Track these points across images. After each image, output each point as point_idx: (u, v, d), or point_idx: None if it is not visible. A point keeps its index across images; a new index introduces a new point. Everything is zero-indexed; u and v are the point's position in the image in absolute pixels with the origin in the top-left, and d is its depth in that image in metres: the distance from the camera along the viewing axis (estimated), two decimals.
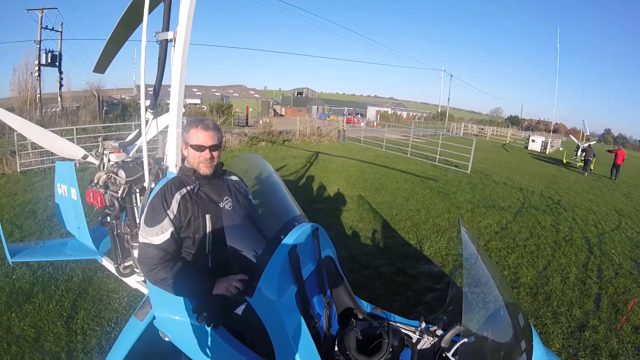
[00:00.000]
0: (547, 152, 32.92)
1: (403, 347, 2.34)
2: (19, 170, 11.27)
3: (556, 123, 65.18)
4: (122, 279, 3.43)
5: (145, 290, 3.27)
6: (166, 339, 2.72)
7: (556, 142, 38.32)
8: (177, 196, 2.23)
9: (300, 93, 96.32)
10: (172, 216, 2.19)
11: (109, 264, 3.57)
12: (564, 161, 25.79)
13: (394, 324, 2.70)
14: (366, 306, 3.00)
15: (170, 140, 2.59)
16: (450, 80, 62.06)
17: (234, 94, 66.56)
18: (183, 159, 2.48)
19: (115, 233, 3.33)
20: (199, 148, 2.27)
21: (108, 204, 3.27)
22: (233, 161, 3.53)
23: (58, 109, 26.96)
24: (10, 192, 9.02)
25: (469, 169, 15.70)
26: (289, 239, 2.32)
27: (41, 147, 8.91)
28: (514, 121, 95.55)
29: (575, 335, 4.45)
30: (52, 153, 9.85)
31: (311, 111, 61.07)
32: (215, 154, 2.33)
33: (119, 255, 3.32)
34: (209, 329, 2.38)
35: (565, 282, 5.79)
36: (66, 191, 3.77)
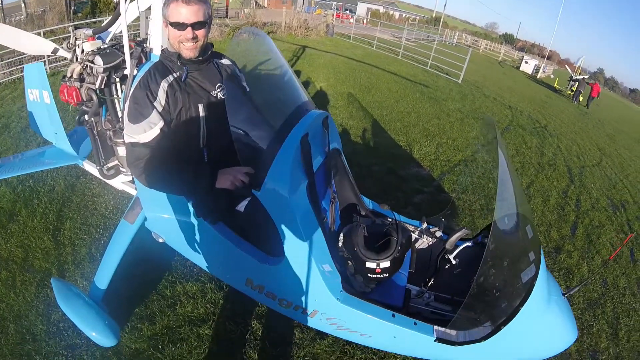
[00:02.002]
0: (538, 76, 32.41)
1: (409, 245, 2.24)
2: None
3: (551, 50, 63.69)
4: (107, 181, 3.13)
5: (133, 191, 3.01)
6: (160, 240, 2.56)
7: (548, 69, 37.64)
8: (164, 84, 1.93)
9: None
10: (159, 108, 1.91)
11: (91, 168, 3.26)
12: (556, 87, 25.96)
13: (401, 222, 2.61)
14: (368, 203, 2.90)
15: (154, 18, 2.30)
16: None
17: None
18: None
19: (95, 132, 2.93)
20: (179, 26, 1.87)
21: (85, 99, 2.84)
22: (232, 39, 3.06)
23: (22, 17, 24.68)
24: None
25: (461, 79, 15.25)
26: (301, 127, 2.07)
27: (9, 58, 7.88)
28: (508, 39, 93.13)
29: (551, 256, 4.52)
30: (20, 62, 8.94)
31: (296, 3, 57.52)
32: (199, 33, 1.93)
33: (102, 156, 2.98)
34: (207, 226, 2.19)
35: (546, 204, 5.84)
36: (38, 96, 3.32)
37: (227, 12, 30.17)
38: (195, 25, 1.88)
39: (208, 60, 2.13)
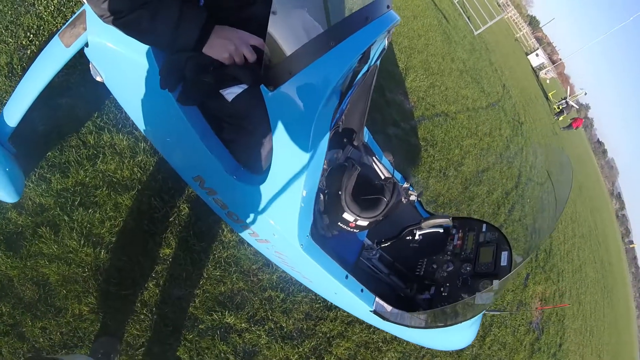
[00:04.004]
0: (537, 74, 32.16)
1: (395, 210, 1.92)
2: None
3: (560, 59, 63.30)
4: None
5: None
6: (97, 79, 1.81)
7: (550, 73, 37.45)
8: None
9: None
10: None
11: None
12: (549, 95, 27.26)
13: (378, 170, 2.38)
14: (365, 133, 2.47)
15: None
16: None
17: None
18: None
19: None
20: None
21: None
22: None
23: None
24: None
25: (478, 32, 14.48)
26: (375, 29, 1.39)
27: None
28: (533, 22, 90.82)
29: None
30: None
31: None
32: None
33: None
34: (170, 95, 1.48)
35: (489, 196, 5.85)
36: None
37: None
38: None
39: None
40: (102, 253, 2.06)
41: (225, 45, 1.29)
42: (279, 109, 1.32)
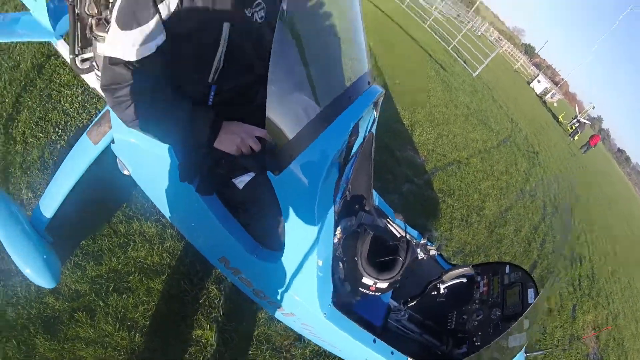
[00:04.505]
0: (544, 99, 32.39)
1: (413, 268, 1.97)
2: None
3: (562, 79, 63.68)
4: (79, 75, 2.42)
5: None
6: (125, 173, 2.01)
7: (556, 96, 37.67)
8: None
9: None
10: (165, 13, 1.30)
11: (65, 51, 2.55)
12: (560, 119, 27.30)
13: (396, 232, 2.38)
14: (375, 196, 2.58)
15: None
16: None
17: None
18: None
19: (76, 13, 2.13)
20: None
21: None
22: None
23: None
24: None
25: (477, 73, 14.87)
26: (359, 107, 1.59)
27: None
28: (528, 51, 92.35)
29: None
30: None
31: None
32: None
33: (78, 44, 2.23)
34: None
35: (517, 234, 5.78)
36: None
37: None
38: None
39: None
40: (137, 337, 2.15)
41: (233, 139, 1.47)
42: (285, 190, 1.48)
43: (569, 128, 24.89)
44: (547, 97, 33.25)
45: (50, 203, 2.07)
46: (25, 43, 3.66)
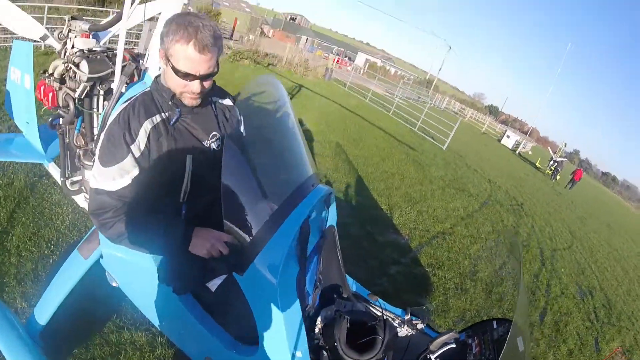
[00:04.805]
0: (517, 151, 33.47)
1: (394, 345, 2.07)
2: None
3: (531, 127, 66.02)
4: (69, 196, 2.76)
5: None
6: (113, 284, 2.23)
7: (528, 145, 38.98)
8: (147, 125, 1.61)
9: (293, 19, 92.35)
10: (137, 153, 1.59)
11: (55, 173, 2.89)
12: (537, 165, 28.07)
13: (379, 313, 2.43)
14: (351, 283, 2.73)
15: (157, 35, 1.89)
16: (447, 51, 60.40)
17: (225, 2, 61.21)
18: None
19: (65, 142, 2.54)
20: (186, 76, 1.55)
21: (61, 104, 2.42)
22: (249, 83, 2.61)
23: None
24: None
25: (446, 146, 15.61)
26: (304, 208, 1.82)
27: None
28: (493, 111, 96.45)
29: None
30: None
31: (299, 41, 58.66)
32: (207, 84, 1.64)
33: (68, 168, 2.58)
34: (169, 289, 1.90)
35: (517, 288, 5.74)
36: (19, 77, 2.95)
37: (232, 33, 30.30)
38: (205, 77, 1.59)
39: (207, 104, 1.82)
40: None
41: (203, 245, 1.66)
42: (250, 288, 1.69)
43: (548, 171, 25.75)
44: (521, 149, 34.33)
45: (44, 312, 2.28)
46: (18, 163, 4.10)
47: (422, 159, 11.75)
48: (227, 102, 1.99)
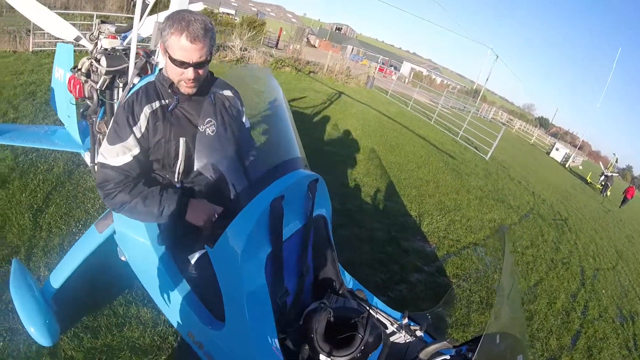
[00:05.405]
0: (567, 165, 32.20)
1: (377, 346, 1.97)
2: (31, 50, 10.81)
3: (583, 140, 63.41)
4: None
5: None
6: (122, 258, 2.42)
7: (578, 159, 37.39)
8: (147, 110, 1.83)
9: (339, 29, 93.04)
10: (138, 134, 1.81)
11: (89, 160, 3.32)
12: (588, 179, 26.93)
13: (374, 314, 2.34)
14: (349, 280, 2.62)
15: None
16: (495, 60, 58.93)
17: (271, 13, 61.91)
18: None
19: (93, 129, 2.94)
20: (181, 64, 1.74)
21: (87, 95, 2.89)
22: (235, 69, 2.94)
23: None
24: (17, 70, 8.50)
25: (489, 155, 15.14)
26: (276, 187, 1.86)
27: None
28: (543, 123, 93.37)
29: None
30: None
31: (345, 50, 58.94)
32: (201, 71, 1.81)
33: (96, 154, 2.94)
34: (167, 264, 2.06)
35: (551, 307, 5.46)
36: (62, 76, 3.41)
37: (277, 42, 30.98)
38: (198, 65, 1.77)
39: (204, 93, 1.99)
40: None
41: (200, 216, 1.81)
42: (218, 261, 1.76)
43: (598, 186, 24.62)
44: (570, 162, 33.00)
45: (58, 277, 2.56)
46: (59, 151, 4.71)
47: (461, 168, 11.41)
48: (228, 93, 2.14)
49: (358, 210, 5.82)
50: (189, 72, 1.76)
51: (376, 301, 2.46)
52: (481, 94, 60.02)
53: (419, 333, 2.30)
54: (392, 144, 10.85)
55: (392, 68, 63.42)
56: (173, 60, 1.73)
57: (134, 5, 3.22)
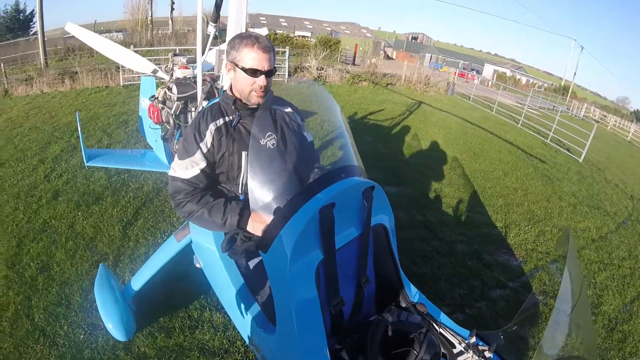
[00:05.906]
0: None
1: None
2: (121, 84, 12.35)
3: None
4: None
5: None
6: (197, 266, 2.69)
7: None
8: (212, 127, 2.03)
9: (414, 38, 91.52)
10: (205, 149, 2.03)
11: None
12: None
13: (436, 329, 2.20)
14: (414, 293, 2.50)
15: None
16: (580, 52, 54.52)
17: (346, 31, 61.46)
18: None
19: (172, 150, 3.31)
20: (254, 73, 1.93)
21: (164, 120, 3.28)
22: (288, 87, 3.27)
23: (169, 31, 29.08)
24: (110, 103, 9.79)
25: (582, 157, 14.22)
26: (327, 193, 1.81)
27: None
28: (638, 116, 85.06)
29: None
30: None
31: (423, 59, 57.54)
32: (270, 80, 2.02)
33: None
34: (234, 270, 2.28)
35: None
36: (147, 105, 3.82)
37: (354, 59, 31.23)
38: (268, 73, 1.96)
39: (265, 108, 2.11)
40: None
41: (258, 225, 1.89)
42: (270, 266, 1.82)
43: None
44: None
45: (139, 280, 2.91)
46: (149, 172, 5.35)
47: (552, 173, 10.88)
48: (288, 109, 2.31)
49: (439, 223, 5.80)
50: (261, 80, 1.95)
51: (443, 317, 2.34)
52: (570, 90, 56.13)
53: (487, 354, 2.10)
54: (476, 151, 10.63)
55: (474, 72, 61.24)
56: (245, 71, 1.93)
57: (215, 37, 3.60)
